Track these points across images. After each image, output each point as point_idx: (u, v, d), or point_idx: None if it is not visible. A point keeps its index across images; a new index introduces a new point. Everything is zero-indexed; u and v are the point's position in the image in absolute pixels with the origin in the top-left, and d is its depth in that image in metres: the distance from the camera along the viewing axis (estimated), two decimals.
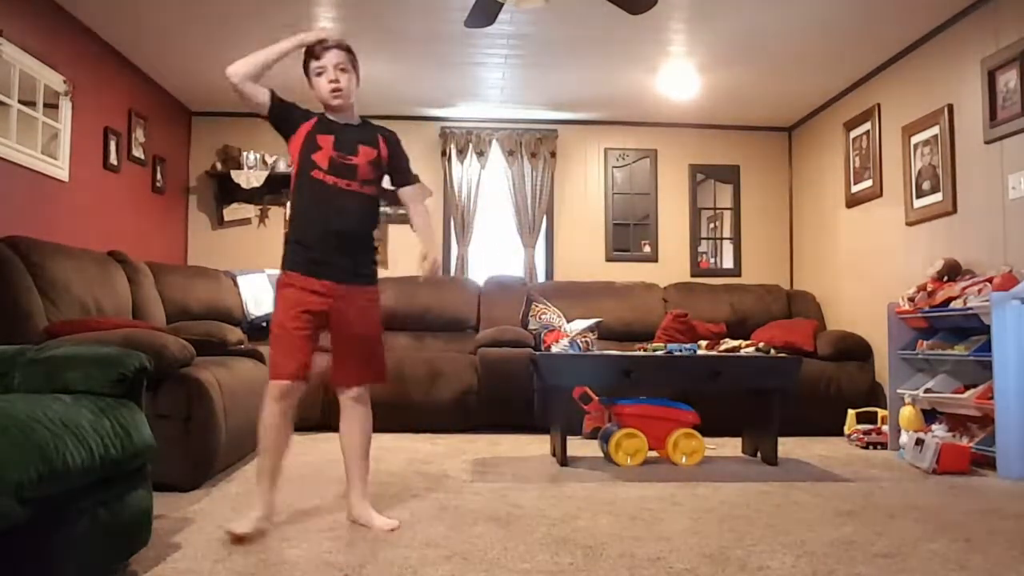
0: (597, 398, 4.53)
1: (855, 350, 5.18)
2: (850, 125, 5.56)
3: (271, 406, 2.42)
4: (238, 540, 2.24)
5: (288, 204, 2.61)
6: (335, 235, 2.47)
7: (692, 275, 6.45)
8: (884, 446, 4.31)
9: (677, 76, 5.36)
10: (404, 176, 2.68)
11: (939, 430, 3.88)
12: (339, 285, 2.47)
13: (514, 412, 4.86)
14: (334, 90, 2.49)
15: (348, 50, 2.55)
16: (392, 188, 2.68)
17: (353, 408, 2.56)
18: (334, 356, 2.54)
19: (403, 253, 6.23)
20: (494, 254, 6.48)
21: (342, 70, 2.51)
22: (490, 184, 6.39)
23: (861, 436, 4.43)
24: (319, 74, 2.50)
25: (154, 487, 2.03)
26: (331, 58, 2.49)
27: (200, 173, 6.29)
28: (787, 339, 5.26)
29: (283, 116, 2.53)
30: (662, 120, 6.39)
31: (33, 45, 4.05)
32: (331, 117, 2.56)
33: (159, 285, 4.56)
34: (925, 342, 4.20)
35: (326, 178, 2.46)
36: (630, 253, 6.52)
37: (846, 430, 4.63)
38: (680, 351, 3.93)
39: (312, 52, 2.53)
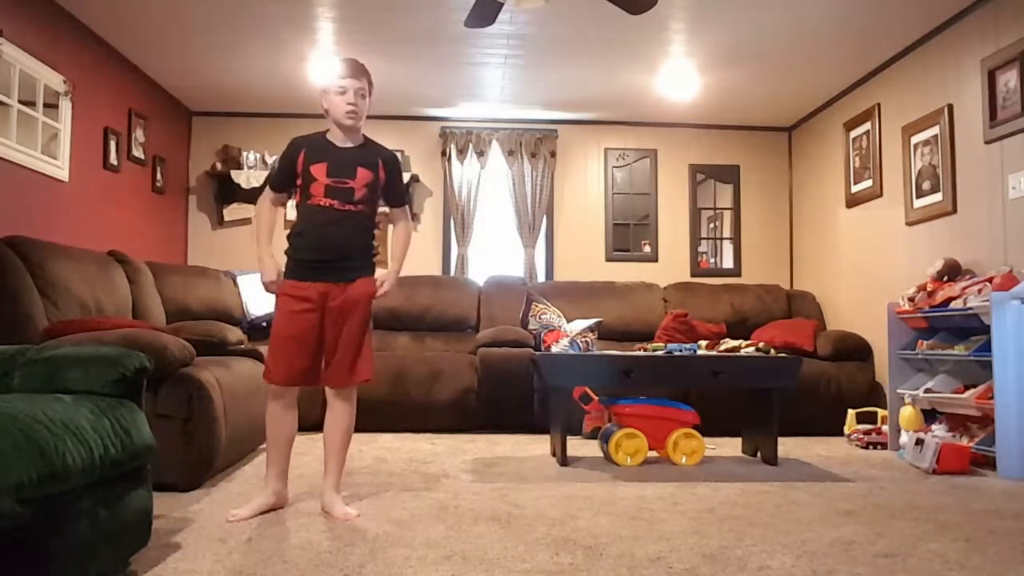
0: (597, 398, 4.53)
1: (855, 350, 5.18)
2: (850, 125, 5.56)
3: (270, 403, 2.66)
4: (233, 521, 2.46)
5: (292, 221, 2.71)
6: (332, 249, 2.62)
7: (692, 275, 6.45)
8: (884, 446, 4.31)
9: (677, 76, 5.36)
10: (398, 199, 2.86)
11: (939, 430, 3.88)
12: (333, 285, 2.62)
13: (514, 412, 4.85)
14: (350, 112, 2.62)
15: (367, 76, 2.68)
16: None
17: (336, 403, 2.70)
18: (325, 355, 2.66)
19: None
20: (494, 254, 6.48)
21: (361, 96, 2.65)
22: (490, 184, 6.40)
23: (861, 436, 4.43)
24: (340, 93, 2.62)
25: (154, 487, 2.03)
26: (353, 82, 2.62)
27: (200, 173, 6.28)
28: (787, 339, 5.26)
29: (290, 180, 2.68)
30: (662, 120, 6.39)
31: (33, 45, 4.05)
32: (328, 138, 2.67)
33: (159, 285, 4.55)
34: (925, 342, 4.20)
35: (323, 201, 2.61)
36: (630, 253, 6.52)
37: (846, 430, 4.62)
38: (680, 351, 3.93)
39: (335, 73, 2.66)
